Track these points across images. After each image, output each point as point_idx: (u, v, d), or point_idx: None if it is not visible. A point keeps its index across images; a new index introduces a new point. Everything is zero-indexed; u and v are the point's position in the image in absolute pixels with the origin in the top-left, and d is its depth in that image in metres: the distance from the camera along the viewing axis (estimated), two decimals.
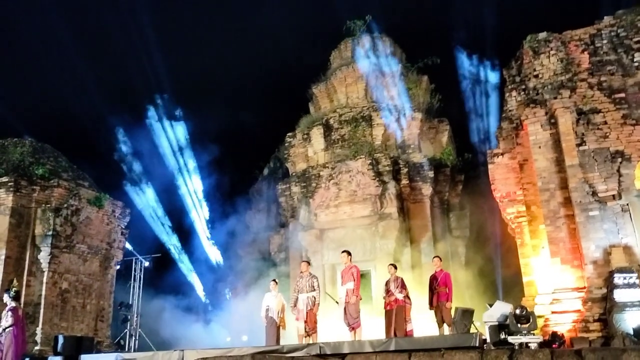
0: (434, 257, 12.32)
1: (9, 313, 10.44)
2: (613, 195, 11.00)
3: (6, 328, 10.32)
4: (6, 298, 10.84)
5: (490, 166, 13.51)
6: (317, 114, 20.76)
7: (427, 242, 17.21)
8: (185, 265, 23.16)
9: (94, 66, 30.32)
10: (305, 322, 11.20)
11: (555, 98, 11.84)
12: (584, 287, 10.87)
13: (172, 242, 23.58)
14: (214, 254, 23.10)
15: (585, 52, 12.36)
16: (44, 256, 15.11)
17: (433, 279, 11.76)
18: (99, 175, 18.77)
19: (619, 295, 9.87)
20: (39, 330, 14.67)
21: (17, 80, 30.47)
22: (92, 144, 26.31)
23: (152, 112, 27.02)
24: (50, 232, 15.16)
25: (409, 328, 11.37)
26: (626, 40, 12.12)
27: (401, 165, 17.64)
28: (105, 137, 26.47)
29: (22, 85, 30.51)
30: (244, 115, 30.89)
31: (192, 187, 25.57)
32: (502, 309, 9.57)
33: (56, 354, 11.77)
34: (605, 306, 10.19)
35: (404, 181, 17.46)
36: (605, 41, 12.28)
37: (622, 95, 11.58)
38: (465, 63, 22.31)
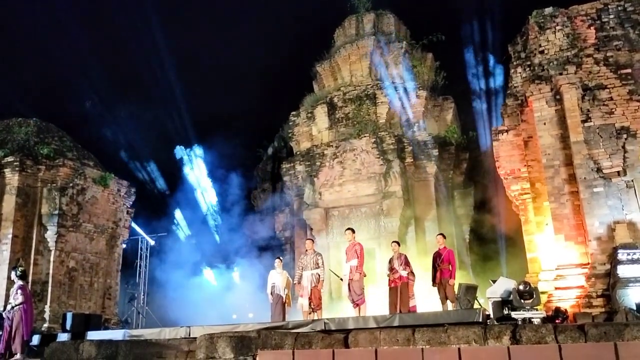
0: (438, 235, 12.36)
1: (19, 291, 10.56)
2: (618, 172, 10.96)
3: (15, 306, 10.46)
4: (13, 276, 10.99)
5: (494, 143, 13.46)
6: (321, 92, 20.68)
7: (431, 220, 17.25)
8: (190, 244, 23.31)
9: (98, 47, 30.20)
10: (310, 298, 11.32)
11: (561, 74, 11.75)
12: (588, 263, 10.90)
13: (177, 221, 23.71)
14: (220, 233, 23.24)
15: (592, 27, 12.22)
16: (50, 235, 15.24)
17: (437, 256, 11.81)
18: (104, 154, 18.85)
19: (623, 271, 9.90)
20: (47, 308, 14.87)
21: (21, 61, 30.43)
22: (97, 123, 26.31)
23: (155, 93, 27.00)
24: (56, 211, 15.28)
25: (412, 304, 11.47)
26: (633, 15, 11.98)
27: (405, 144, 17.60)
28: (111, 118, 26.48)
29: (26, 65, 30.46)
30: (248, 94, 30.82)
31: (198, 167, 25.64)
32: (505, 284, 9.60)
33: (65, 330, 11.94)
34: (609, 282, 10.23)
35: (409, 159, 17.44)
36: (612, 16, 12.14)
37: (629, 70, 11.48)
38: (471, 40, 22.11)
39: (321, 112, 19.24)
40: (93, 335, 11.00)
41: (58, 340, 10.75)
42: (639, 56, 11.57)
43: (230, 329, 9.22)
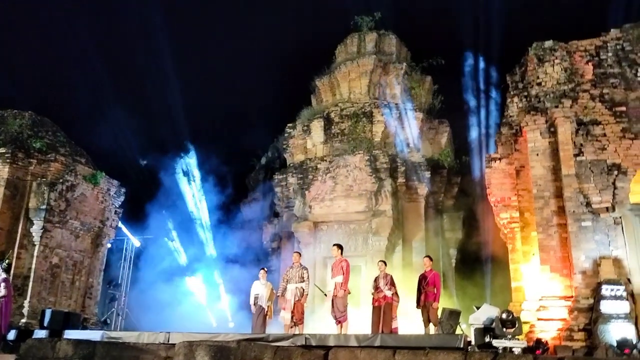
0: (425, 257, 12.38)
1: (2, 284, 10.47)
2: (607, 207, 11.04)
3: None
4: None
5: (487, 170, 13.53)
6: (319, 106, 20.76)
7: (419, 242, 17.27)
8: (176, 248, 23.15)
9: (98, 45, 30.23)
10: (293, 312, 11.26)
11: (557, 107, 11.87)
12: (571, 296, 10.93)
13: (165, 224, 23.55)
14: (206, 239, 23.12)
15: (590, 64, 12.38)
16: (36, 230, 15.11)
17: (422, 278, 11.81)
18: (97, 152, 18.77)
19: (605, 307, 9.93)
20: (26, 303, 14.69)
21: (21, 53, 30.37)
22: (93, 120, 26.24)
23: (153, 96, 27.02)
24: (44, 206, 15.16)
25: (395, 325, 11.44)
26: (631, 54, 12.14)
27: (399, 164, 17.66)
28: (107, 116, 26.43)
29: (25, 58, 30.40)
30: (246, 103, 30.92)
31: (190, 173, 25.56)
32: (488, 312, 9.62)
33: (42, 327, 11.81)
34: (591, 316, 10.26)
35: (401, 179, 17.49)
36: (610, 54, 12.30)
37: (623, 108, 11.61)
38: (469, 67, 22.34)
39: (317, 126, 19.30)
40: (71, 334, 10.90)
41: (35, 336, 10.65)
42: (634, 95, 11.72)
43: (210, 337, 9.17)
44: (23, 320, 14.33)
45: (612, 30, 12.54)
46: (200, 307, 20.85)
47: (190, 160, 25.53)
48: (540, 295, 11.40)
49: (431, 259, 12.16)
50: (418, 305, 11.74)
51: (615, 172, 11.16)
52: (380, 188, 16.90)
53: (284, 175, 19.29)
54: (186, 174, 25.22)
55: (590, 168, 11.33)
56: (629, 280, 10.54)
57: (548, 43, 12.89)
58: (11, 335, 11.17)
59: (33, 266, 15.01)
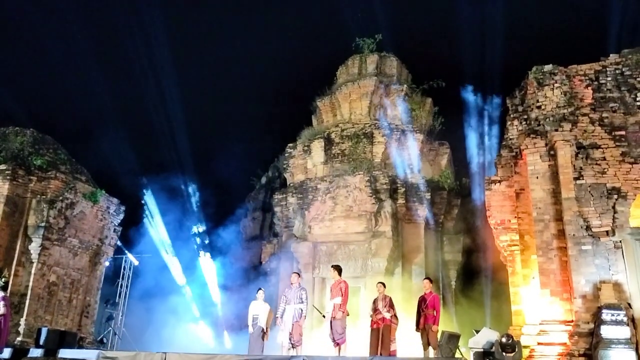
0: (424, 279, 12.30)
1: (1, 302, 10.40)
2: (607, 231, 11.01)
3: None
4: None
5: (487, 192, 13.52)
6: (320, 127, 20.85)
7: (418, 263, 17.18)
8: (174, 267, 23.04)
9: (102, 63, 30.48)
10: (291, 333, 11.16)
11: (556, 130, 11.90)
12: (572, 321, 10.85)
13: (163, 243, 23.48)
14: (205, 258, 23.02)
15: (589, 88, 12.45)
16: (34, 247, 15.06)
17: (422, 300, 11.71)
18: (97, 170, 18.79)
19: (606, 332, 9.84)
20: (22, 321, 14.58)
21: (24, 71, 30.63)
22: (94, 139, 26.35)
23: (155, 116, 27.18)
24: (43, 224, 15.13)
25: (393, 348, 11.32)
26: (630, 79, 12.22)
27: (399, 185, 17.67)
28: (109, 135, 26.56)
29: (28, 76, 30.65)
30: (247, 123, 31.06)
31: (190, 192, 25.57)
32: (488, 336, 9.56)
33: (38, 346, 11.71)
34: (592, 341, 10.16)
35: (401, 201, 17.47)
36: (609, 78, 12.39)
37: (623, 132, 11.65)
38: (470, 89, 22.46)
39: (318, 147, 19.35)
40: (66, 353, 10.82)
41: (30, 355, 10.58)
42: (634, 119, 11.76)
43: (207, 358, 9.10)
44: (19, 339, 14.21)
45: (611, 55, 12.66)
46: (198, 327, 20.67)
47: (190, 179, 25.56)
48: (541, 319, 11.31)
49: (431, 281, 12.06)
50: (417, 328, 11.61)
51: (615, 196, 11.15)
52: (380, 209, 16.89)
53: (284, 195, 19.29)
54: (185, 192, 25.22)
55: (590, 192, 11.33)
56: (629, 305, 10.46)
57: (548, 67, 12.98)
58: (6, 353, 11.05)
59: (30, 284, 14.93)
